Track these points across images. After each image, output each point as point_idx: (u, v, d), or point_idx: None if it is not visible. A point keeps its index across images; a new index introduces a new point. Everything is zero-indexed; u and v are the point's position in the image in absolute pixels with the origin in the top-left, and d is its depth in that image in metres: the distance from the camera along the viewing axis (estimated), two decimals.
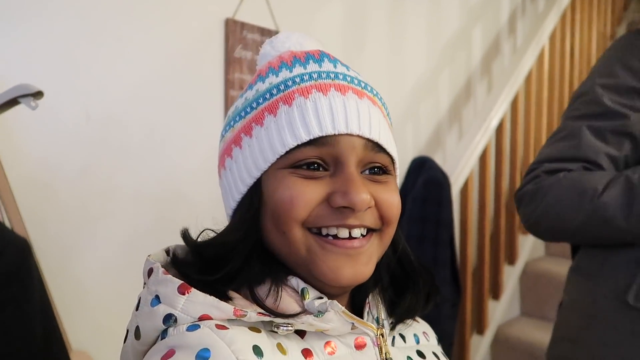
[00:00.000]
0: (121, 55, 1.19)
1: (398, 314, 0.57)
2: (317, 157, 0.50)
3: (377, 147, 0.52)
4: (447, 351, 1.49)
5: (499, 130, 2.09)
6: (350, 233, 0.49)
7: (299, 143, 0.49)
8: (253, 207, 0.52)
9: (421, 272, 0.60)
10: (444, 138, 2.32)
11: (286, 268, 0.52)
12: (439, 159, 2.22)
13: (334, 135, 0.49)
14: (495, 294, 2.14)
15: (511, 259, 2.24)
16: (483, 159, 1.99)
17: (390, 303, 0.58)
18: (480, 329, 2.06)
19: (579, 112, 0.89)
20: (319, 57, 0.54)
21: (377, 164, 0.52)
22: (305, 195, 0.48)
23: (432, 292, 0.60)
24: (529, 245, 2.32)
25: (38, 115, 1.04)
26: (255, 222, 0.52)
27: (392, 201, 0.52)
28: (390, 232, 0.53)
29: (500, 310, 2.13)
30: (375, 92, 0.56)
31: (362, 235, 0.50)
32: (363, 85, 0.54)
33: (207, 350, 0.43)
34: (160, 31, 1.27)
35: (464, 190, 1.89)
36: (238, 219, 0.53)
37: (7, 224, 0.96)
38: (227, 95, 1.43)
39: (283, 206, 0.49)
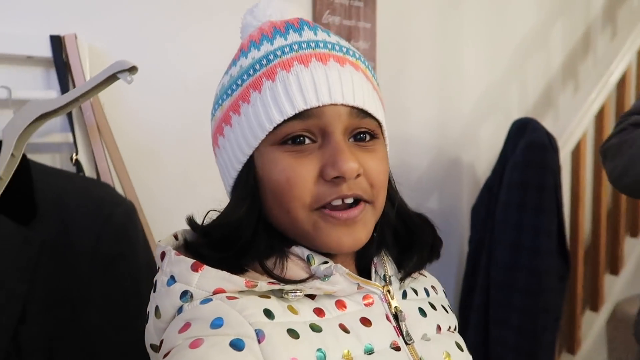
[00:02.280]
0: (213, 27, 1.24)
1: (405, 269, 0.60)
2: (303, 130, 0.51)
3: (363, 113, 0.52)
4: (552, 326, 1.41)
5: (621, 84, 1.85)
6: (343, 201, 0.51)
7: (285, 118, 0.50)
8: (249, 184, 0.54)
9: (422, 226, 0.61)
10: (555, 98, 2.11)
11: (288, 240, 0.54)
12: (549, 122, 2.03)
13: (319, 106, 0.50)
14: (614, 269, 1.94)
15: (634, 231, 2.01)
16: (599, 117, 1.79)
17: (397, 260, 0.61)
18: (594, 305, 1.89)
19: None
20: (299, 25, 0.54)
21: (363, 129, 0.53)
22: (300, 175, 0.50)
23: (435, 244, 0.62)
24: None
25: (142, 88, 1.13)
26: (254, 198, 0.53)
27: (378, 168, 0.53)
28: (382, 198, 0.54)
29: (619, 287, 1.94)
30: (357, 56, 0.56)
31: (354, 203, 0.52)
32: (345, 50, 0.54)
33: (220, 318, 0.45)
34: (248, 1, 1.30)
35: (576, 153, 1.71)
36: (237, 197, 0.55)
37: (119, 188, 1.07)
38: None
39: (283, 189, 0.51)
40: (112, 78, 0.87)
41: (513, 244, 1.40)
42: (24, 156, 0.89)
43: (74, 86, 1.00)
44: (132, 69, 0.86)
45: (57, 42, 0.99)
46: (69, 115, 1.00)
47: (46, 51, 0.98)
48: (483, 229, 1.56)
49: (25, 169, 0.89)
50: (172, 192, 1.21)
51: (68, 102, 0.88)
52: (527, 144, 1.41)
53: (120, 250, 0.91)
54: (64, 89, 0.98)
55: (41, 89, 1.00)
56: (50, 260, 0.88)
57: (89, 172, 1.02)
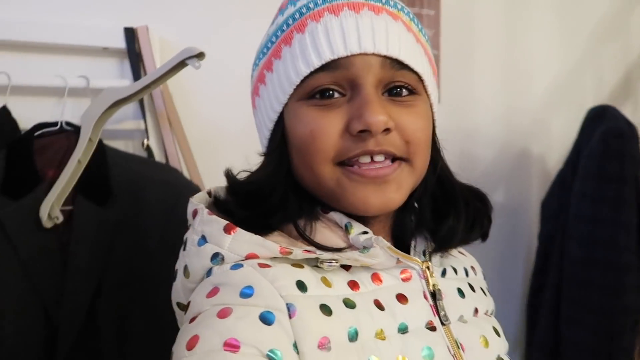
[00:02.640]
0: None
1: (438, 241, 0.55)
2: (331, 83, 0.48)
3: (399, 64, 0.48)
4: (631, 328, 1.31)
5: None
6: (372, 158, 0.47)
7: (312, 70, 0.47)
8: (276, 141, 0.51)
9: (469, 197, 0.56)
10: (634, 85, 1.96)
11: (319, 202, 0.51)
12: (628, 110, 1.89)
13: (347, 56, 0.47)
14: None
15: None
16: None
17: (432, 231, 0.56)
18: None
19: None
20: None
21: (399, 82, 0.49)
22: (324, 128, 0.47)
23: (479, 219, 0.57)
24: None
25: (209, 78, 1.16)
26: (282, 157, 0.51)
27: (416, 125, 0.48)
28: (421, 157, 0.50)
29: None
30: (400, 7, 0.51)
31: (387, 161, 0.48)
32: (384, 1, 0.50)
33: (250, 287, 0.43)
34: None
35: None
36: (267, 155, 0.53)
37: (186, 173, 1.11)
38: None
39: (306, 143, 0.48)
40: (180, 65, 0.89)
41: (588, 239, 1.32)
42: (100, 141, 0.94)
43: (146, 75, 1.05)
44: (200, 55, 0.88)
45: (130, 34, 1.03)
46: (141, 104, 1.04)
47: (120, 43, 1.03)
48: (555, 223, 1.48)
49: (102, 153, 0.94)
50: None
51: (140, 89, 0.92)
52: (604, 132, 1.31)
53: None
54: (137, 78, 1.03)
55: (116, 78, 1.05)
56: (124, 240, 0.93)
57: (158, 157, 1.07)
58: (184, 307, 0.49)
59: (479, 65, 1.61)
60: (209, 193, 0.54)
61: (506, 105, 1.68)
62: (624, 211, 1.28)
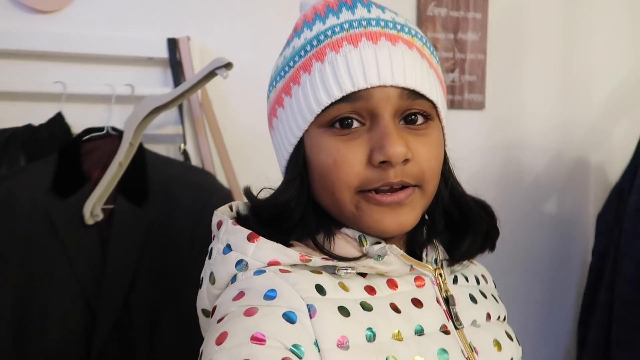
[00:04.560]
0: None
1: (455, 255, 0.58)
2: (351, 112, 0.50)
3: (415, 94, 0.50)
4: None
5: None
6: (391, 186, 0.50)
7: (333, 101, 0.49)
8: (298, 166, 0.53)
9: (479, 213, 0.58)
10: None
11: (336, 222, 0.54)
12: None
13: (367, 88, 0.49)
14: None
15: None
16: None
17: (448, 245, 0.59)
18: None
19: None
20: (352, 3, 0.53)
21: (415, 110, 0.51)
22: (348, 159, 0.49)
23: (490, 232, 0.59)
24: None
25: (247, 85, 1.21)
26: (303, 181, 0.53)
27: (430, 154, 0.51)
28: (432, 184, 0.52)
29: None
30: (414, 33, 0.53)
31: (403, 187, 0.50)
32: (399, 28, 0.52)
33: (273, 290, 0.46)
34: None
35: None
36: (287, 178, 0.55)
37: (223, 177, 1.16)
38: None
39: (329, 172, 0.50)
40: (211, 74, 0.94)
41: None
42: (140, 145, 1.01)
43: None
44: (228, 65, 0.92)
45: (172, 45, 1.10)
46: (180, 110, 1.11)
47: (164, 53, 1.10)
48: (609, 238, 1.38)
49: (141, 156, 1.01)
50: (265, 182, 1.27)
51: (175, 97, 0.97)
52: None
53: None
54: (177, 85, 1.09)
55: (159, 86, 1.12)
56: (157, 238, 0.99)
57: (195, 161, 1.12)
58: (209, 314, 0.52)
59: (530, 72, 1.54)
60: (231, 207, 0.58)
61: (561, 114, 1.59)
62: None
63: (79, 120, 1.04)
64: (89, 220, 0.95)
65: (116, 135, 1.02)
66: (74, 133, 1.02)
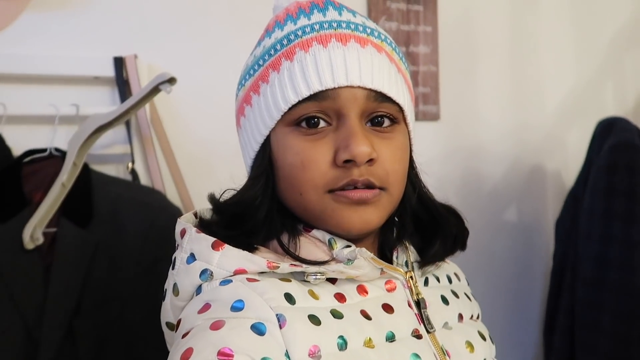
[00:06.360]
0: None
1: (427, 258, 0.58)
2: (318, 112, 0.50)
3: (382, 97, 0.51)
4: None
5: None
6: (355, 186, 0.50)
7: (300, 99, 0.49)
8: (264, 164, 0.53)
9: (447, 215, 0.59)
10: None
11: (303, 222, 0.53)
12: None
13: (335, 88, 0.49)
14: None
15: None
16: None
17: (419, 248, 0.59)
18: None
19: None
20: (324, 5, 0.53)
21: (381, 112, 0.51)
22: (314, 160, 0.49)
23: (460, 234, 0.60)
24: None
25: (197, 102, 1.20)
26: (267, 179, 0.53)
27: (394, 156, 0.51)
28: (397, 186, 0.52)
29: None
30: (383, 37, 0.54)
31: (367, 187, 0.50)
32: (369, 31, 0.53)
33: (240, 301, 0.45)
34: None
35: None
36: (252, 176, 0.54)
37: (175, 196, 1.14)
38: None
39: (296, 171, 0.50)
40: (155, 90, 0.93)
41: (598, 258, 1.23)
42: (85, 165, 0.98)
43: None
44: (172, 80, 0.91)
45: (119, 63, 1.08)
46: (128, 128, 1.08)
47: (110, 71, 1.08)
48: (567, 242, 1.40)
49: (86, 177, 0.98)
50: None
51: (120, 114, 0.96)
52: (613, 144, 1.24)
53: (163, 252, 0.96)
54: None
55: (106, 105, 1.10)
56: (104, 261, 0.96)
57: (144, 180, 1.10)
58: (173, 327, 0.50)
59: (482, 81, 1.58)
60: (195, 214, 0.56)
61: (515, 121, 1.62)
62: (637, 228, 1.19)
63: (21, 142, 1.00)
64: (29, 245, 0.91)
65: (59, 156, 1.00)
66: (16, 155, 0.99)
